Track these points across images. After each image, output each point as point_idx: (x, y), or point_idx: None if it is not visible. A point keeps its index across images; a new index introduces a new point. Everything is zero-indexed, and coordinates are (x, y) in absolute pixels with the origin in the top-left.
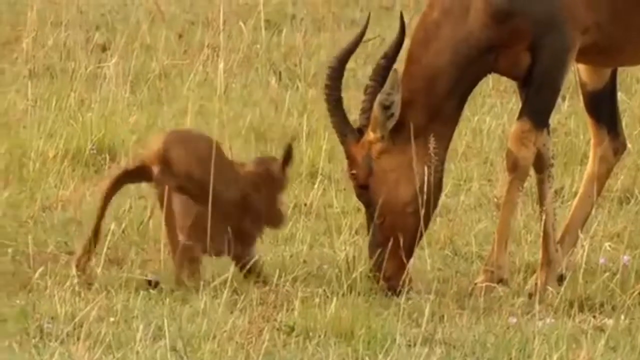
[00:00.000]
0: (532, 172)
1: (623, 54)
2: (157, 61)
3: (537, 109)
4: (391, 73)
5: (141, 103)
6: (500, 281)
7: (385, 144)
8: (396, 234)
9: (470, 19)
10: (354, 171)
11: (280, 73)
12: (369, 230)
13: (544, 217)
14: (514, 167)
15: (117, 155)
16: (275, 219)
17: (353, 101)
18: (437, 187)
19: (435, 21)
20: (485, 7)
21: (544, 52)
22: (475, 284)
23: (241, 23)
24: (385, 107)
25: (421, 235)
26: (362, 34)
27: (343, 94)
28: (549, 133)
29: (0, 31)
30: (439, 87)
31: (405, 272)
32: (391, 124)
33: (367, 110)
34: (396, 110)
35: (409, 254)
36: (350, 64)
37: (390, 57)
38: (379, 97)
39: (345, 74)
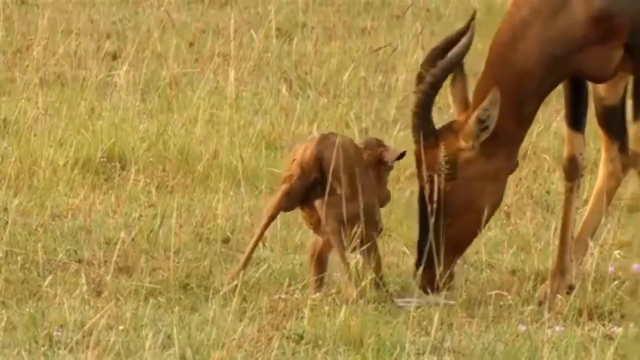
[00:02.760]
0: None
1: None
2: (167, 69)
3: None
4: (492, 90)
5: (151, 111)
6: None
7: (474, 153)
8: (460, 237)
9: (566, 18)
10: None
11: (290, 81)
12: (423, 232)
13: (566, 226)
14: None
15: (127, 163)
16: (385, 199)
17: (364, 108)
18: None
19: (523, 21)
20: (586, 7)
21: None
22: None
23: (252, 31)
24: (481, 121)
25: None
26: (468, 45)
27: (353, 102)
28: (584, 140)
29: (11, 39)
30: (526, 89)
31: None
32: (484, 136)
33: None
34: (491, 124)
35: (459, 257)
36: (360, 73)
37: (455, 56)
38: (477, 112)
39: (356, 82)
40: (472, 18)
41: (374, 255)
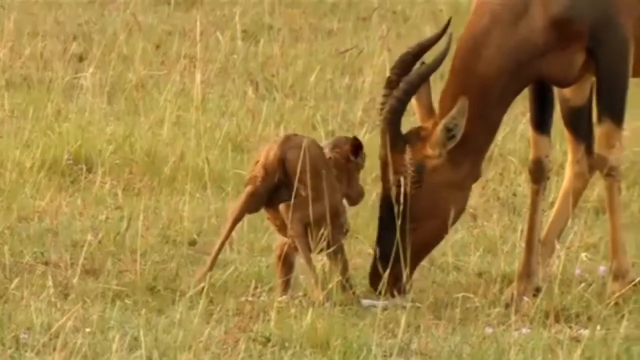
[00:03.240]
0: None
1: None
2: (134, 72)
3: (613, 107)
4: (460, 99)
5: (118, 113)
6: (632, 282)
7: (440, 161)
8: (423, 242)
9: (526, 24)
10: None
11: (257, 83)
12: (381, 234)
13: (532, 228)
14: (609, 171)
15: (93, 165)
16: (358, 196)
17: (331, 110)
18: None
19: (485, 28)
20: (545, 12)
21: (605, 48)
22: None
23: (218, 33)
24: (449, 130)
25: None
26: (445, 52)
27: (320, 105)
28: (550, 142)
29: None
30: (490, 96)
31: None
32: (451, 145)
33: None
34: (458, 133)
35: (421, 261)
36: (327, 75)
37: (433, 64)
38: (444, 120)
39: (322, 84)
40: (448, 24)
41: (340, 257)
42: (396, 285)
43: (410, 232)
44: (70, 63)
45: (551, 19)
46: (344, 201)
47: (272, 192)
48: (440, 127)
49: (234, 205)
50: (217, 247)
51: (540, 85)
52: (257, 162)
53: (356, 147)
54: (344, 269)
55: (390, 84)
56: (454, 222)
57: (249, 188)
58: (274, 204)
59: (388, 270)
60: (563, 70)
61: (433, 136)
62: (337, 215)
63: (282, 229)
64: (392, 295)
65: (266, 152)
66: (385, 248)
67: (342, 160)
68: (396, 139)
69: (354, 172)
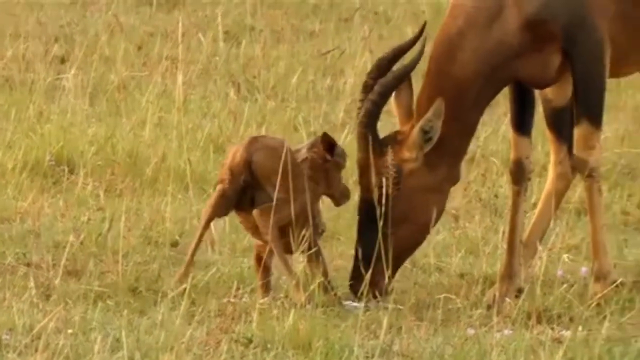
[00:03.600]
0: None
1: (627, 63)
2: (115, 73)
3: (591, 108)
4: (437, 101)
5: (100, 115)
6: (614, 283)
7: (417, 164)
8: (402, 245)
9: (501, 26)
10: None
11: (239, 85)
12: (361, 237)
13: (514, 229)
14: (589, 172)
15: (75, 167)
16: (341, 197)
17: (312, 112)
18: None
19: (460, 31)
20: (519, 14)
21: (580, 49)
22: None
23: (200, 35)
24: (425, 132)
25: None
26: (420, 55)
27: (302, 106)
28: (531, 143)
29: None
30: (466, 99)
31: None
32: (428, 147)
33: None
34: (435, 135)
35: (402, 264)
36: (309, 76)
37: (407, 68)
38: (420, 122)
39: (304, 85)
40: (423, 28)
41: (319, 259)
42: (377, 287)
43: (390, 235)
44: (52, 64)
45: (525, 20)
46: (320, 202)
47: (240, 194)
48: (416, 130)
49: (205, 207)
50: (192, 247)
51: (520, 86)
52: (225, 164)
53: (328, 144)
54: (324, 270)
55: (367, 89)
56: (433, 225)
57: (218, 188)
58: (244, 207)
59: (369, 273)
60: (539, 72)
61: (409, 139)
62: (310, 216)
63: (254, 231)
64: (374, 297)
65: (232, 154)
66: (364, 251)
67: (319, 160)
68: (373, 142)
69: (334, 172)
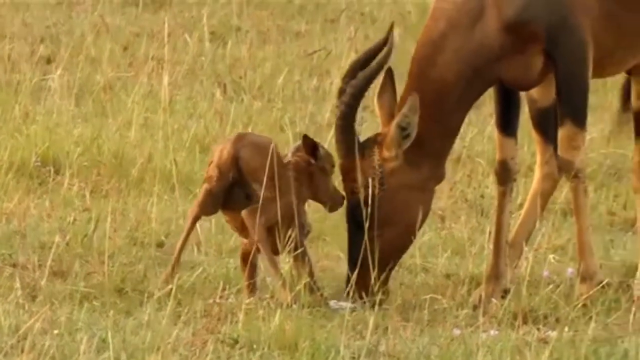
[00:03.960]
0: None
1: (612, 63)
2: (101, 73)
3: (574, 109)
4: (410, 96)
5: (86, 115)
6: (600, 284)
7: (398, 163)
8: (392, 246)
9: (482, 29)
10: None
11: (225, 85)
12: (352, 243)
13: (499, 230)
14: (575, 173)
15: (61, 167)
16: (333, 203)
17: (299, 112)
18: (430, 204)
19: (441, 33)
20: (500, 15)
21: (562, 50)
22: (580, 295)
23: (186, 35)
24: (402, 128)
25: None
26: (388, 54)
27: (288, 107)
28: (516, 144)
29: None
30: (448, 101)
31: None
32: (407, 144)
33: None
34: (412, 131)
35: (394, 265)
36: (295, 77)
37: (375, 68)
38: (397, 119)
39: (290, 86)
40: (391, 28)
41: (305, 259)
42: (364, 289)
43: (378, 237)
44: (37, 65)
45: (506, 22)
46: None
47: (227, 191)
48: (393, 126)
49: (192, 206)
50: (178, 247)
51: (505, 87)
52: (211, 162)
53: (309, 146)
54: (310, 271)
55: (342, 93)
56: (420, 224)
57: (205, 186)
58: (231, 205)
59: (358, 275)
60: (522, 74)
61: (388, 136)
62: (294, 216)
63: (241, 230)
64: (360, 298)
65: (219, 151)
66: (354, 254)
67: (303, 164)
68: (352, 145)
69: (320, 176)
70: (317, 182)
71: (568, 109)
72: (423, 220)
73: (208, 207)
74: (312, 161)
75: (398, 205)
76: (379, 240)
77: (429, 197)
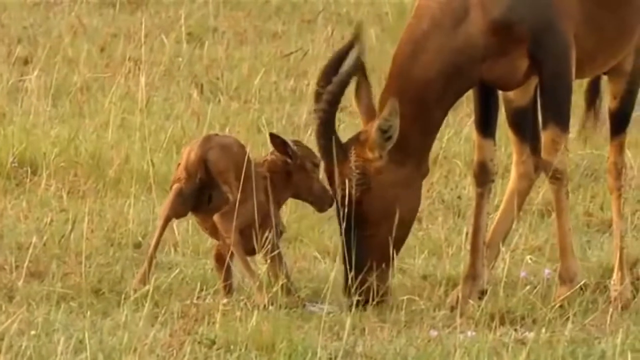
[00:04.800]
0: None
1: (592, 66)
2: (78, 74)
3: (558, 112)
4: (390, 100)
5: (63, 116)
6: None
7: (382, 162)
8: (385, 245)
9: (466, 29)
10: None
11: (202, 86)
12: (347, 246)
13: (477, 231)
14: (556, 175)
15: (38, 168)
16: (321, 203)
17: (275, 113)
18: (419, 199)
19: (424, 33)
20: (485, 16)
21: (547, 53)
22: (559, 298)
23: (163, 36)
24: (384, 131)
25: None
26: (360, 55)
27: (265, 107)
28: (495, 145)
29: None
30: (429, 100)
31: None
32: (389, 145)
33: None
34: (394, 133)
35: (392, 265)
36: (272, 78)
37: (349, 70)
38: (378, 122)
39: (267, 87)
40: (358, 31)
41: (278, 260)
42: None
43: (373, 236)
44: (15, 66)
45: (491, 23)
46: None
47: (196, 194)
48: (374, 130)
49: (162, 207)
50: (152, 247)
51: (484, 89)
52: (179, 164)
53: (278, 144)
54: (286, 272)
55: (318, 98)
56: (410, 221)
57: (174, 187)
58: (201, 207)
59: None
60: (506, 75)
61: (369, 140)
62: (267, 217)
63: (212, 232)
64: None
65: (187, 153)
66: (352, 257)
67: (279, 163)
68: (334, 149)
69: (301, 174)
70: (297, 181)
71: (552, 112)
72: (413, 215)
73: (179, 207)
74: (288, 160)
75: (388, 204)
76: (373, 240)
77: (417, 192)
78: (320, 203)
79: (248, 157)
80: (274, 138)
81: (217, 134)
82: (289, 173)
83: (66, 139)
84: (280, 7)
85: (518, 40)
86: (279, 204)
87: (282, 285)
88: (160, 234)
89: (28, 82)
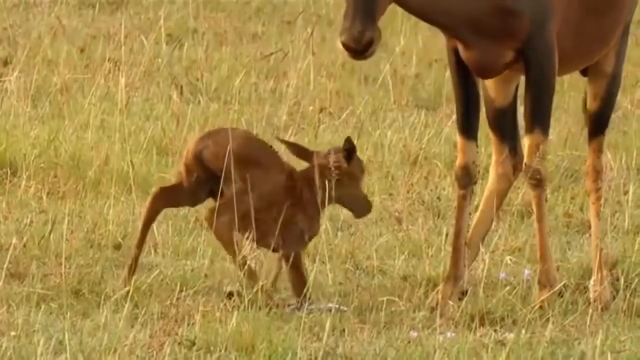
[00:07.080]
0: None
1: (568, 67)
2: (58, 75)
3: (542, 116)
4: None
5: (42, 117)
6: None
7: None
8: None
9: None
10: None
11: (181, 87)
12: None
13: (459, 233)
14: (537, 179)
15: (18, 169)
16: (359, 210)
17: (255, 114)
18: None
19: None
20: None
21: (537, 52)
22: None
23: (143, 37)
24: None
25: None
26: None
27: (245, 108)
28: (477, 147)
29: None
30: None
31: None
32: None
33: None
34: None
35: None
36: (251, 78)
37: None
38: None
39: (247, 88)
40: None
41: (295, 269)
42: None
43: None
44: None
45: (496, 5)
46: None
47: (195, 190)
48: None
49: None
50: (137, 243)
51: (467, 90)
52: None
53: (348, 150)
54: (299, 283)
55: None
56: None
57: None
58: (201, 202)
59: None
60: (488, 61)
61: None
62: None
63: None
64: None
65: (186, 150)
66: None
67: (330, 168)
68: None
69: (348, 181)
70: (344, 188)
71: (537, 116)
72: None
73: (175, 200)
74: (345, 165)
75: None
76: None
77: None
78: (360, 210)
79: (266, 147)
80: (349, 143)
81: (224, 128)
82: (339, 179)
83: (46, 140)
84: (260, 8)
85: (516, 29)
86: (322, 206)
87: (261, 287)
88: (146, 231)
89: (7, 83)
